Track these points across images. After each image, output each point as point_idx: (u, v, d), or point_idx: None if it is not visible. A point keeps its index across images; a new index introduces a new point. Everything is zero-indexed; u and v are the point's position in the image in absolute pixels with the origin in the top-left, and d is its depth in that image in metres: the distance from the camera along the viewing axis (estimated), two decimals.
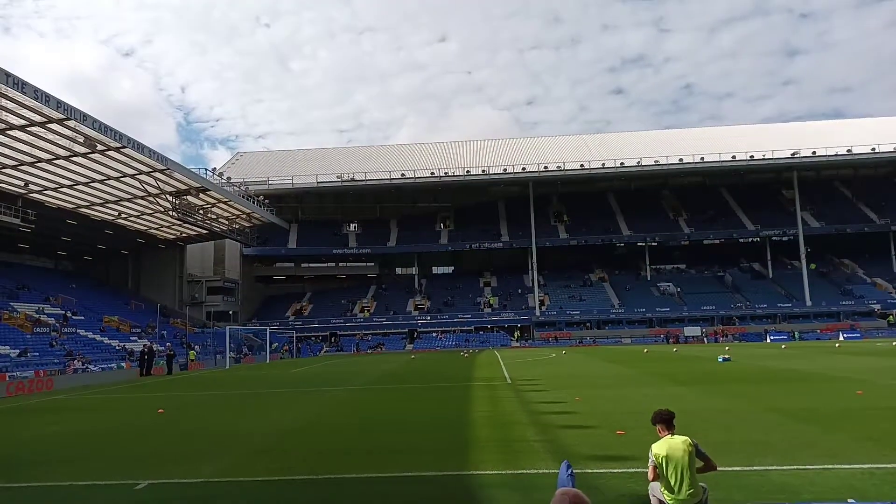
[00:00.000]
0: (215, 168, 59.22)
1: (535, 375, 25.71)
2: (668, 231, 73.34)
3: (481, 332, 65.40)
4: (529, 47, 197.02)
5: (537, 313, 66.18)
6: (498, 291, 72.72)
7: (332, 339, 65.95)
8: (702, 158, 67.75)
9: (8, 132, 29.30)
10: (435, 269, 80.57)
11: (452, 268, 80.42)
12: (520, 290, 71.77)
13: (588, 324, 64.97)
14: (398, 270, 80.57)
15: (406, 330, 66.20)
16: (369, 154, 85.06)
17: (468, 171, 69.68)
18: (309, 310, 71.54)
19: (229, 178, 53.87)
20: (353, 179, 69.64)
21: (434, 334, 65.24)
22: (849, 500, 6.05)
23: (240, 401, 20.77)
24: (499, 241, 73.37)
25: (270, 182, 68.22)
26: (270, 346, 54.92)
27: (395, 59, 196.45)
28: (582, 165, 69.17)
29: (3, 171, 33.97)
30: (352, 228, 77.22)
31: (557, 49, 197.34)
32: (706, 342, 58.49)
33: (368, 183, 69.90)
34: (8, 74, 24.99)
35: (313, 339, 65.91)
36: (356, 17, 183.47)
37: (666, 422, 5.37)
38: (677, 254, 77.52)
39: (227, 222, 53.74)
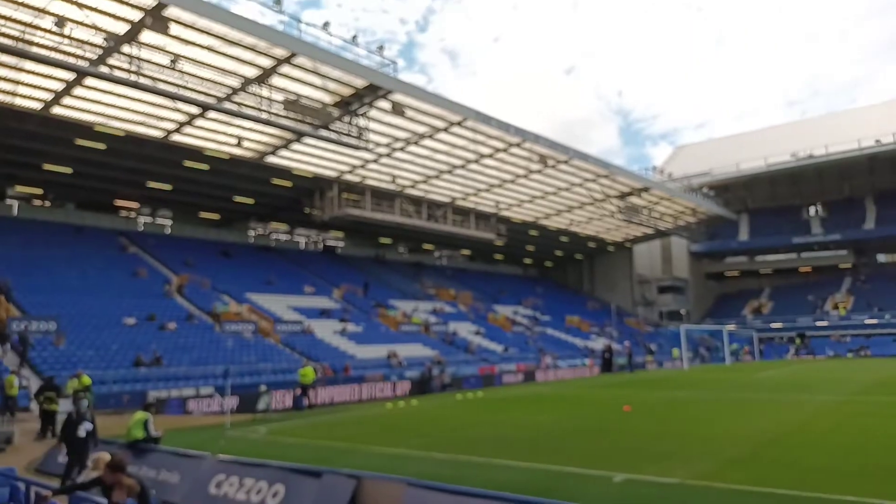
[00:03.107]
0: (655, 166, 59.28)
1: None
2: None
3: None
4: None
5: None
6: None
7: (801, 340, 58.19)
8: None
9: (480, 161, 34.95)
10: None
11: None
12: None
13: None
14: (880, 258, 66.31)
15: None
16: (829, 123, 72.62)
17: None
18: (769, 307, 64.93)
19: (670, 174, 53.11)
20: (811, 156, 60.48)
21: None
22: None
23: (704, 403, 19.70)
24: None
25: (713, 172, 64.67)
26: (728, 348, 51.62)
27: (857, 5, 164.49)
28: None
29: (479, 194, 40.75)
30: (814, 213, 67.04)
31: None
32: None
33: (831, 157, 59.58)
34: (478, 113, 29.77)
35: (777, 339, 59.40)
36: None
37: None
38: None
39: (671, 219, 53.10)
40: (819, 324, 58.61)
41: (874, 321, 55.76)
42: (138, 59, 20.51)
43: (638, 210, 46.85)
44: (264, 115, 23.88)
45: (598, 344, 44.74)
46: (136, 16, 19.27)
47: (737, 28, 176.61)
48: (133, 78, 20.52)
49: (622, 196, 44.32)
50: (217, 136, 27.69)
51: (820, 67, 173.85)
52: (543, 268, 68.05)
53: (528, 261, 65.73)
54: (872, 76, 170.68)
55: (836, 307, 60.33)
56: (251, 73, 23.15)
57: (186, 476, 9.03)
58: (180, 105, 23.33)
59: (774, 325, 60.64)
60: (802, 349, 56.51)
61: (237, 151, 29.15)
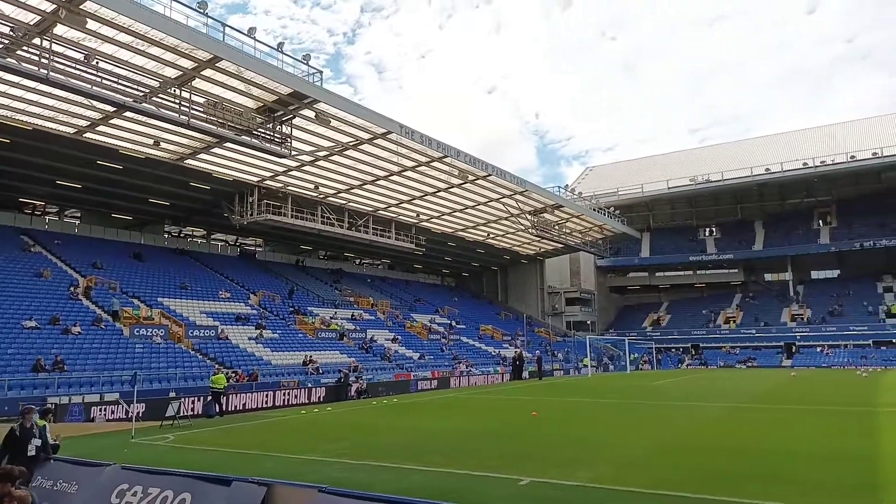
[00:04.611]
0: (567, 185, 62.07)
1: None
2: None
3: (883, 348, 53.92)
4: None
5: None
6: None
7: (694, 351, 62.37)
8: None
9: (403, 173, 35.53)
10: (814, 274, 69.69)
11: (837, 271, 68.42)
12: None
13: None
14: (767, 276, 72.08)
15: (781, 343, 58.67)
16: (726, 151, 78.41)
17: (853, 157, 58.68)
18: (667, 320, 69.07)
19: (580, 193, 55.83)
20: (708, 181, 65.13)
21: (818, 349, 56.32)
22: None
23: (606, 409, 21.08)
24: None
25: (620, 192, 68.25)
26: (629, 357, 54.60)
27: (752, 43, 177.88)
28: None
29: (401, 205, 41.29)
30: (709, 233, 72.15)
31: None
32: None
33: (726, 183, 64.47)
34: (402, 126, 30.34)
35: (673, 350, 63.32)
36: (707, 9, 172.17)
37: None
38: None
39: (580, 235, 55.63)
40: (712, 336, 63.03)
41: (760, 334, 60.61)
42: (50, 52, 19.75)
43: (550, 226, 48.93)
44: (184, 118, 23.47)
45: (510, 352, 46.23)
46: (48, 7, 18.63)
47: (645, 58, 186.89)
48: (43, 72, 19.72)
49: (536, 212, 46.20)
50: (133, 136, 26.80)
51: (720, 99, 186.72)
52: (460, 278, 69.32)
53: (445, 271, 66.82)
54: (766, 109, 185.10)
55: (726, 321, 65.08)
56: (172, 74, 22.72)
57: (86, 486, 8.45)
58: (95, 102, 22.53)
59: (671, 336, 64.62)
60: (695, 359, 60.58)
61: (154, 152, 28.36)
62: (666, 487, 8.96)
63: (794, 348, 57.67)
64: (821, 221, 67.18)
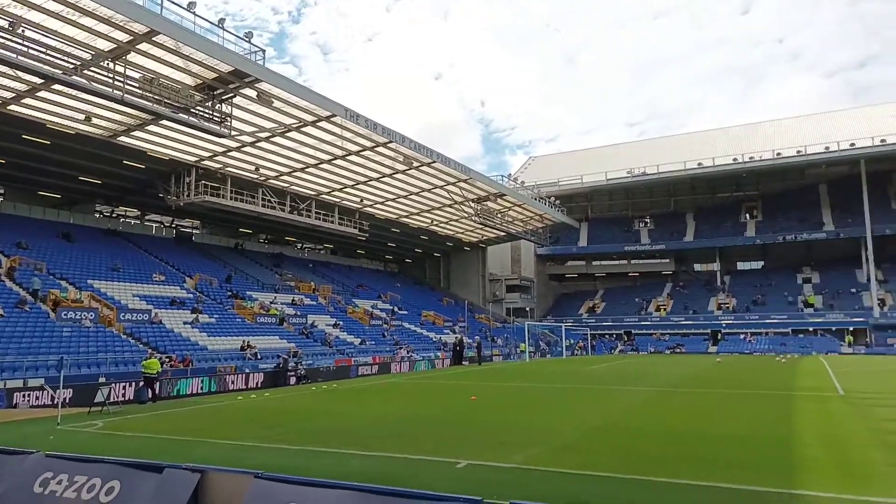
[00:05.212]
0: (510, 174, 62.81)
1: (877, 388, 21.71)
2: None
3: (801, 336, 57.38)
4: None
5: (876, 314, 55.54)
6: (821, 289, 63.01)
7: (627, 338, 64.64)
8: None
9: (347, 158, 35.20)
10: (740, 265, 73.27)
11: (762, 263, 72.16)
12: (852, 289, 61.07)
13: None
14: (696, 266, 75.31)
15: (708, 331, 61.53)
16: (662, 145, 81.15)
17: (779, 154, 61.77)
18: (602, 307, 71.22)
19: (523, 182, 56.65)
20: (644, 173, 67.22)
21: (742, 336, 59.35)
22: None
23: (542, 394, 21.64)
24: (820, 230, 63.55)
25: (560, 182, 69.64)
26: (565, 343, 56.11)
27: (690, 41, 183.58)
28: None
29: (344, 190, 40.91)
30: (643, 224, 74.68)
31: None
32: None
33: (660, 175, 66.71)
34: (347, 110, 30.01)
35: (607, 336, 65.44)
36: (647, 4, 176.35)
37: None
38: None
39: (521, 224, 56.52)
40: (643, 323, 65.44)
41: (689, 322, 63.32)
42: None
43: (493, 214, 49.52)
44: (118, 93, 22.53)
45: (451, 338, 46.72)
46: None
47: (588, 52, 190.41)
48: None
49: (479, 200, 46.64)
50: (63, 111, 25.54)
51: (658, 93, 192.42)
52: (403, 264, 69.36)
53: (388, 257, 66.69)
54: (701, 105, 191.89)
55: (657, 309, 67.65)
56: (106, 46, 21.76)
57: (6, 475, 8.08)
58: (21, 73, 21.34)
59: (605, 324, 66.72)
60: (628, 345, 62.81)
61: (85, 128, 27.11)
62: (598, 469, 9.36)
63: (719, 335, 60.54)
64: (748, 215, 70.51)
